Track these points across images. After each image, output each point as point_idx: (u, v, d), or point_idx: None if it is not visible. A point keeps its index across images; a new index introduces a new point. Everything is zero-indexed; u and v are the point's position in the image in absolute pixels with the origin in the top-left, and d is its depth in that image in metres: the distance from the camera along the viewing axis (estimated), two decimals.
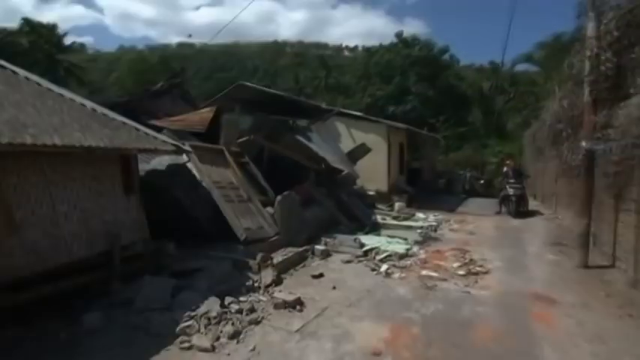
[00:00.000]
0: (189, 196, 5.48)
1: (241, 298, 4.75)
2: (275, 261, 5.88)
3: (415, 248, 6.91)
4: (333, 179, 9.89)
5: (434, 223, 9.28)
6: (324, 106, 14.70)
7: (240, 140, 7.81)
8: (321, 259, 6.51)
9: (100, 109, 5.04)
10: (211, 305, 4.25)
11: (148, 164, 6.34)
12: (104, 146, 4.16)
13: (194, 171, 6.56)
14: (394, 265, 5.94)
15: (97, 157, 4.48)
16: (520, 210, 10.48)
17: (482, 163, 25.43)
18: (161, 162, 7.24)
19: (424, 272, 5.58)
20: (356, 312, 4.26)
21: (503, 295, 4.64)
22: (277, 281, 5.33)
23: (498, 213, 11.01)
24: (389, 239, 7.47)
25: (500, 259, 6.21)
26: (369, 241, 7.20)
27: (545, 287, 4.82)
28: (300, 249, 6.63)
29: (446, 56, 30.21)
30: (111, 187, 4.78)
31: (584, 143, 5.17)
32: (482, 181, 22.49)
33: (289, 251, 6.48)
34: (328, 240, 7.23)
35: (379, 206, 11.84)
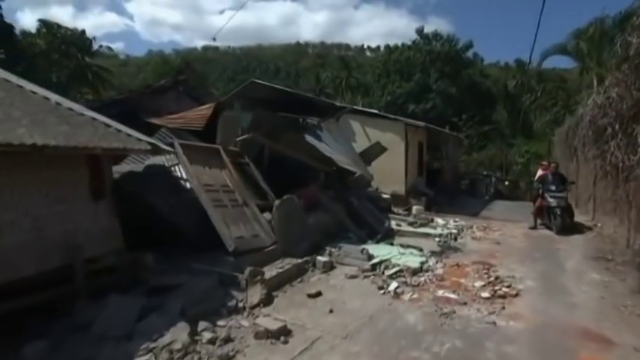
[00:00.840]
0: (169, 202, 4.83)
1: (220, 323, 4.06)
2: (267, 275, 5.16)
3: (431, 261, 6.02)
4: (343, 181, 9.10)
5: (454, 231, 8.33)
6: (338, 104, 14.00)
7: (239, 139, 7.14)
8: (322, 273, 5.74)
9: (68, 104, 4.46)
10: (178, 334, 3.57)
11: (136, 165, 5.77)
12: (55, 145, 3.54)
13: (183, 173, 5.94)
14: (405, 283, 5.09)
15: (55, 158, 3.88)
16: (566, 224, 8.23)
17: (508, 164, 24.00)
18: (154, 162, 6.67)
19: (440, 293, 4.72)
20: (352, 347, 3.46)
21: (539, 328, 3.72)
22: (266, 301, 4.60)
23: (533, 228, 8.80)
24: (402, 250, 6.61)
25: (533, 277, 5.26)
26: (379, 251, 6.36)
27: (594, 320, 3.86)
28: (300, 260, 5.88)
29: (469, 53, 28.81)
30: (74, 191, 4.18)
31: None
32: (507, 183, 21.16)
33: (287, 263, 5.75)
34: (333, 250, 6.45)
35: (396, 210, 10.96)
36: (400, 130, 12.32)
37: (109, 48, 36.95)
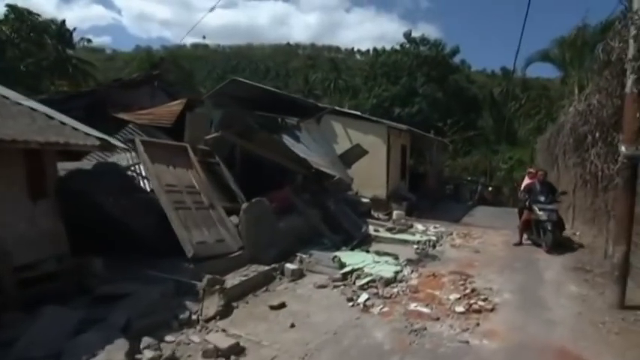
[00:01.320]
0: (120, 202, 4.40)
1: (168, 338, 3.67)
2: (229, 284, 4.78)
3: (407, 270, 5.72)
4: (320, 184, 8.77)
5: (433, 238, 8.07)
6: (320, 105, 13.69)
7: (208, 137, 6.73)
8: (290, 282, 5.38)
9: (2, 91, 4.00)
10: (114, 353, 3.15)
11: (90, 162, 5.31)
12: None
13: (143, 172, 5.51)
14: (377, 295, 4.77)
15: None
16: (557, 241, 7.08)
17: (492, 170, 24.10)
18: (118, 160, 6.21)
19: (412, 306, 4.41)
20: None
21: (514, 349, 3.44)
22: (224, 313, 4.22)
23: (519, 244, 7.63)
24: (377, 258, 6.30)
25: (510, 289, 4.99)
26: (352, 259, 6.04)
27: (572, 338, 3.59)
28: (267, 268, 5.51)
29: (456, 59, 28.93)
30: (5, 191, 3.72)
31: (624, 148, 3.95)
32: (490, 188, 21.20)
33: (253, 270, 5.37)
34: (305, 257, 6.09)
35: (376, 215, 10.69)
36: (382, 133, 12.06)
37: (89, 40, 35.84)
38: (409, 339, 3.64)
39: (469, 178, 22.51)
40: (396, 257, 6.36)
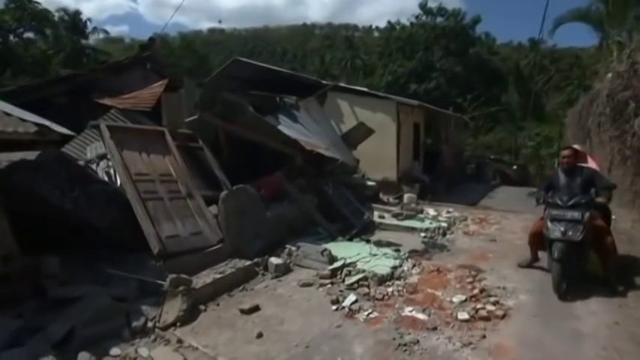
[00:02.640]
0: (69, 195, 3.88)
1: (112, 351, 3.17)
2: (200, 283, 4.24)
3: (407, 265, 5.01)
4: (319, 168, 8.07)
5: (444, 224, 7.28)
6: (324, 82, 12.85)
7: (187, 120, 6.12)
8: (273, 278, 4.80)
9: None
10: None
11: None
12: None
13: (113, 160, 4.98)
14: (367, 295, 4.11)
15: None
16: (571, 278, 4.00)
17: (517, 147, 22.64)
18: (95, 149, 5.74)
19: (407, 311, 3.73)
20: None
21: None
22: (186, 318, 3.69)
23: (527, 266, 4.89)
24: (375, 249, 5.61)
25: (528, 289, 4.21)
26: (347, 252, 5.37)
27: (606, 359, 2.83)
28: (249, 263, 4.94)
29: (479, 31, 26.92)
30: None
31: None
32: (515, 167, 19.92)
33: (231, 266, 4.81)
34: (293, 249, 5.48)
35: (386, 199, 9.92)
36: (391, 110, 11.14)
37: (105, 31, 35.94)
38: (395, 356, 2.97)
39: (492, 157, 21.24)
40: (398, 249, 5.65)
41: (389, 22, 27.39)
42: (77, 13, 29.63)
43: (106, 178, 5.13)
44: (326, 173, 8.15)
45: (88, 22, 29.97)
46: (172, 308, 3.73)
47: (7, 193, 3.72)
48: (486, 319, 3.48)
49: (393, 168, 11.25)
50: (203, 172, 6.16)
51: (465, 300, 3.89)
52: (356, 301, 3.96)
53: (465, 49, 23.82)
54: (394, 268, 4.82)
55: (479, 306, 3.70)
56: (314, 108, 9.70)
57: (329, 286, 4.44)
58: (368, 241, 6.15)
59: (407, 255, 5.41)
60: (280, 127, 7.85)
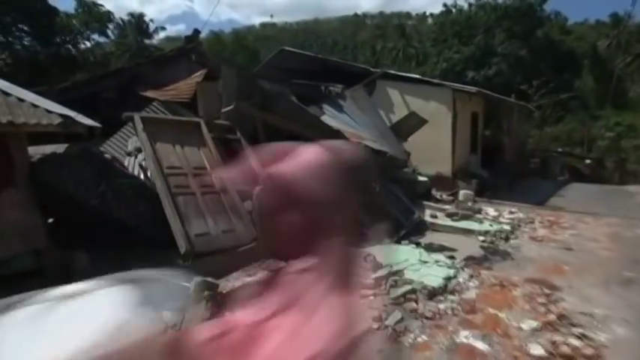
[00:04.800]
0: (96, 191, 3.71)
1: None
2: (229, 286, 3.92)
3: (463, 276, 4.30)
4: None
5: (507, 227, 6.37)
6: (372, 69, 12.11)
7: (224, 110, 5.84)
8: None
9: None
10: None
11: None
12: None
13: (145, 152, 4.81)
14: (415, 312, 3.51)
15: None
16: None
17: (590, 139, 20.11)
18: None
19: (463, 336, 3.09)
20: None
21: None
22: None
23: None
24: (426, 255, 4.94)
25: (625, 318, 3.33)
26: (392, 257, 4.77)
27: None
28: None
29: (547, 8, 24.16)
30: None
31: None
32: (588, 161, 17.68)
33: (264, 268, 4.44)
34: None
35: (439, 196, 9.08)
36: (447, 99, 10.15)
37: (163, 28, 37.86)
38: None
39: (560, 150, 19.08)
40: (452, 255, 4.93)
41: (444, 5, 25.61)
42: (141, 15, 31.65)
43: (139, 172, 4.98)
44: (373, 167, 7.54)
45: (151, 23, 31.75)
46: (195, 315, 3.42)
47: (36, 188, 3.63)
48: (570, 358, 2.73)
49: (448, 162, 10.30)
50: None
51: (538, 328, 3.14)
52: (401, 320, 3.38)
53: (532, 30, 21.48)
54: (447, 279, 4.15)
55: (558, 338, 2.94)
56: (361, 97, 9.08)
57: (371, 298, 3.89)
58: (418, 245, 5.49)
59: (463, 263, 4.69)
60: (324, 118, 7.38)
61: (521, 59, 20.72)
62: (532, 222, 6.77)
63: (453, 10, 24.69)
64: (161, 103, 7.08)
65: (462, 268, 4.50)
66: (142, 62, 8.84)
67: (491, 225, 6.48)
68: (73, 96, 7.66)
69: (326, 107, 8.11)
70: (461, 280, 4.17)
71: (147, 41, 31.77)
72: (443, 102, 10.25)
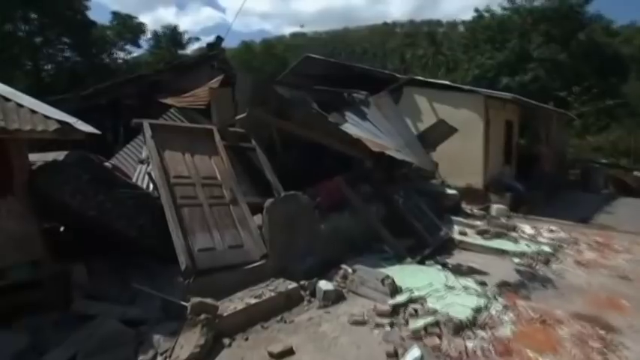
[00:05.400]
0: (93, 200, 3.49)
1: None
2: (229, 309, 3.57)
3: (496, 306, 3.75)
4: (389, 173, 7.02)
5: (547, 248, 5.69)
6: (399, 75, 11.64)
7: (239, 117, 5.58)
8: (320, 308, 3.94)
9: None
10: None
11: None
12: None
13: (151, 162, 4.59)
14: (437, 350, 3.02)
15: None
16: None
17: (638, 149, 18.48)
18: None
19: None
20: None
21: None
22: (201, 356, 3.03)
23: None
24: (452, 279, 4.40)
25: None
26: (414, 280, 4.28)
27: None
28: (293, 286, 4.16)
29: (590, 10, 22.66)
30: None
31: None
32: (637, 173, 16.20)
33: (272, 288, 4.08)
34: (350, 271, 4.56)
35: (470, 210, 8.44)
36: (479, 105, 9.50)
37: (197, 38, 39.19)
38: None
39: (603, 161, 17.64)
40: (483, 281, 4.37)
41: (476, 10, 24.68)
42: (175, 27, 33.02)
43: (148, 181, 4.78)
44: (397, 179, 7.07)
45: (185, 34, 32.92)
46: (188, 341, 3.10)
47: (33, 197, 3.45)
48: None
49: (479, 173, 9.61)
50: (253, 176, 5.56)
51: None
52: (421, 359, 2.90)
53: (572, 33, 20.18)
54: (477, 310, 3.61)
55: None
56: (386, 104, 8.62)
57: (387, 328, 3.43)
58: (444, 266, 4.95)
59: (496, 290, 4.13)
60: (345, 125, 6.98)
61: (560, 64, 19.47)
62: (576, 243, 6.03)
63: (486, 14, 23.71)
64: (178, 110, 6.96)
65: (495, 297, 3.94)
66: (163, 69, 8.83)
67: (528, 245, 5.82)
68: (95, 102, 7.73)
69: (348, 114, 7.72)
70: (493, 312, 3.63)
71: (180, 52, 32.87)
72: (474, 109, 9.61)
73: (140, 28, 21.62)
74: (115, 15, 21.37)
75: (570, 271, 4.83)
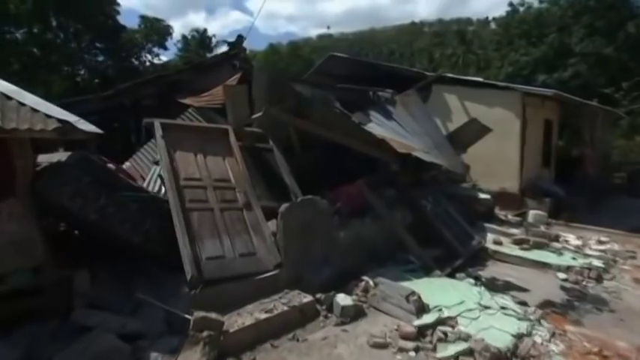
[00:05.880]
0: (94, 204, 3.27)
1: None
2: (236, 325, 3.26)
3: (541, 333, 3.23)
4: (416, 176, 6.55)
5: (597, 262, 5.03)
6: (428, 73, 11.07)
7: (255, 116, 5.29)
8: (337, 325, 3.57)
9: None
10: None
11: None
12: None
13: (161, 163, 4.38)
14: None
15: None
16: None
17: None
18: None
19: None
20: None
21: None
22: None
23: None
24: (487, 296, 3.90)
25: None
26: (443, 296, 3.81)
27: None
28: (308, 299, 3.80)
29: None
30: None
31: None
32: None
33: (286, 301, 3.75)
34: (371, 284, 4.15)
35: (504, 216, 7.80)
36: (515, 104, 8.81)
37: (225, 41, 40.04)
38: None
39: None
40: (524, 301, 3.83)
41: (510, 4, 23.41)
42: (204, 31, 33.88)
43: (158, 183, 4.57)
44: (425, 182, 6.58)
45: (213, 38, 33.63)
46: (190, 359, 2.80)
47: (34, 200, 3.28)
48: None
49: (515, 176, 8.92)
50: (270, 178, 5.25)
51: None
52: None
53: (619, 24, 18.64)
54: (518, 336, 3.11)
55: None
56: (414, 103, 8.12)
57: (412, 353, 3.01)
58: (476, 280, 4.45)
59: (539, 313, 3.59)
60: (370, 125, 6.57)
61: (605, 59, 18.05)
62: (633, 256, 5.32)
63: (521, 8, 22.46)
64: (196, 110, 6.80)
65: (539, 321, 3.41)
66: (182, 69, 8.72)
67: (574, 258, 5.18)
68: (116, 102, 7.71)
69: (373, 114, 7.30)
70: (538, 339, 3.11)
71: (208, 54, 33.49)
72: (510, 108, 8.93)
73: (167, 30, 22.09)
74: (143, 18, 21.94)
75: (629, 291, 4.20)
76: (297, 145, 5.68)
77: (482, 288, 4.10)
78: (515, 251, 5.45)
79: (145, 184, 4.71)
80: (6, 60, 17.02)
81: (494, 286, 4.28)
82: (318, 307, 3.83)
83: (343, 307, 3.69)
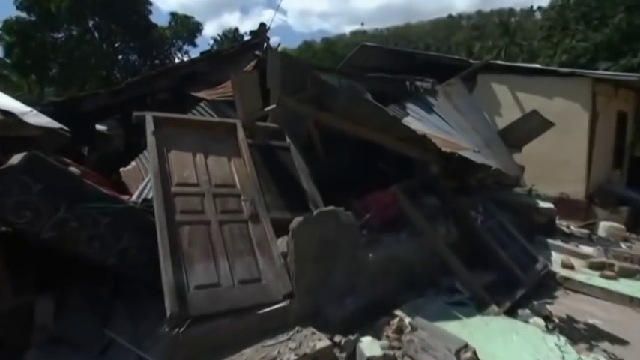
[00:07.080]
0: (50, 219, 2.56)
1: None
2: None
3: None
4: (462, 180, 5.49)
5: None
6: (474, 61, 9.79)
7: (269, 109, 4.45)
8: None
9: None
10: None
11: None
12: None
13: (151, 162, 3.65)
14: None
15: None
16: None
17: None
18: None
19: None
20: None
21: None
22: None
23: None
24: (568, 348, 2.83)
25: None
26: (506, 349, 2.79)
27: None
28: (324, 344, 2.92)
29: None
30: None
31: None
32: None
33: (293, 348, 2.89)
34: (407, 322, 3.20)
35: (567, 228, 6.52)
36: (582, 93, 7.42)
37: (251, 32, 41.02)
38: None
39: None
40: (613, 355, 2.74)
41: None
42: (236, 30, 34.39)
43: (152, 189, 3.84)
44: (473, 188, 5.49)
45: (245, 36, 34.12)
46: None
47: None
48: None
49: (580, 180, 7.56)
50: (284, 183, 4.39)
51: None
52: None
53: None
54: None
55: None
56: (459, 93, 7.00)
57: None
58: (547, 321, 3.37)
59: None
60: (407, 119, 5.55)
61: None
62: None
63: None
64: (208, 104, 6.11)
65: None
66: (198, 59, 8.08)
67: None
68: (129, 96, 7.19)
69: (411, 106, 6.28)
70: None
71: None
72: (575, 98, 7.55)
73: (196, 27, 22.06)
74: (173, 15, 22.03)
75: None
76: (319, 144, 4.79)
77: (560, 337, 3.02)
78: (595, 279, 4.26)
79: (138, 191, 4.02)
80: (45, 62, 17.51)
81: (574, 332, 3.20)
82: (337, 353, 2.95)
83: (370, 359, 2.78)
